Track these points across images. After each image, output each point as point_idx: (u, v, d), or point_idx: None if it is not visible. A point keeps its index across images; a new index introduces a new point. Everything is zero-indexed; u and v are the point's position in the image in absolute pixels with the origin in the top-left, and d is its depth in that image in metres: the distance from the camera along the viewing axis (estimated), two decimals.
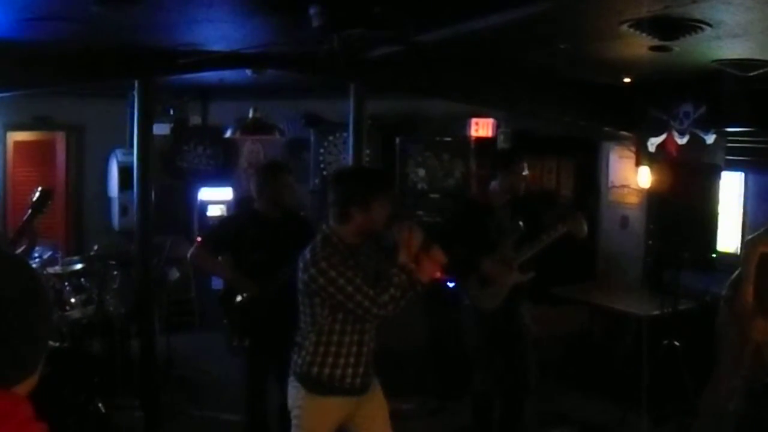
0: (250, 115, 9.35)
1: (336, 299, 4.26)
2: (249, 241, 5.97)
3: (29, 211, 5.86)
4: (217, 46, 6.32)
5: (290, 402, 4.59)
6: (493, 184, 6.41)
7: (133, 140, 7.01)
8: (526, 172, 6.38)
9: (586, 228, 6.30)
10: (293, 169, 6.66)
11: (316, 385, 4.46)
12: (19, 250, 5.86)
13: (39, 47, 6.16)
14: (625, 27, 4.61)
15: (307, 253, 4.37)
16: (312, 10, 4.25)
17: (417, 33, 5.05)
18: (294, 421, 4.57)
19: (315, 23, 4.30)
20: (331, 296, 4.26)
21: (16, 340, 1.70)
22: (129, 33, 5.75)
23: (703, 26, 4.48)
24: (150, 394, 7.00)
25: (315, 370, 4.43)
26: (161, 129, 9.77)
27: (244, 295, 5.99)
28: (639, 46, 5.16)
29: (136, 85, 6.74)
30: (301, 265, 4.38)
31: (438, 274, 4.52)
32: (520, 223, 6.27)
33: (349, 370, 4.44)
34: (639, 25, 4.52)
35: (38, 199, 5.88)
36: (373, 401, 4.67)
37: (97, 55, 6.50)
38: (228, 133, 9.83)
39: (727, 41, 5.05)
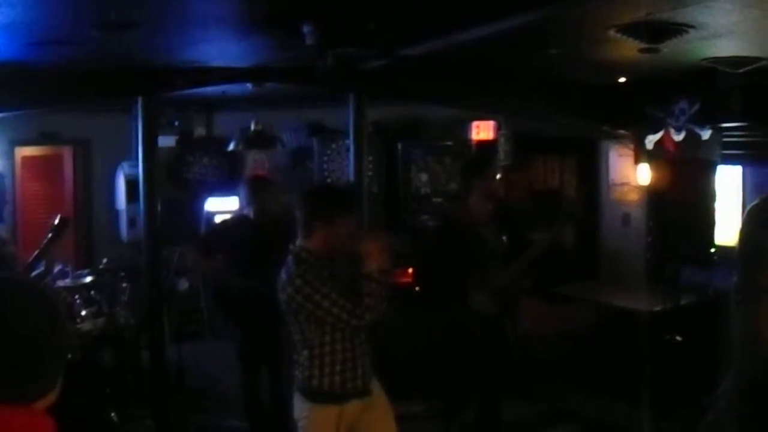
0: (252, 128, 9.44)
1: (316, 314, 4.41)
2: (240, 243, 6.48)
3: (49, 236, 6.05)
4: (217, 62, 6.45)
5: (295, 414, 4.72)
6: (472, 198, 6.06)
7: (138, 153, 7.16)
8: (498, 175, 6.26)
9: (571, 237, 6.25)
10: (298, 176, 6.91)
11: (318, 396, 4.58)
12: (35, 273, 6.04)
13: (44, 69, 6.31)
14: (612, 32, 4.71)
15: (282, 274, 4.53)
16: (305, 29, 4.34)
17: (408, 46, 5.14)
18: None
19: (309, 41, 4.40)
20: (310, 312, 4.41)
21: (36, 359, 1.84)
22: (130, 53, 5.88)
23: (687, 29, 4.58)
24: (161, 403, 7.10)
25: (315, 382, 4.56)
26: (166, 141, 9.84)
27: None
28: (629, 48, 5.24)
29: (140, 101, 6.85)
30: (279, 286, 4.53)
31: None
32: (504, 238, 6.18)
33: (348, 375, 4.57)
34: (625, 30, 4.61)
35: (57, 226, 6.08)
36: (377, 407, 4.77)
37: (100, 74, 6.64)
38: (231, 146, 9.93)
39: (713, 41, 5.14)
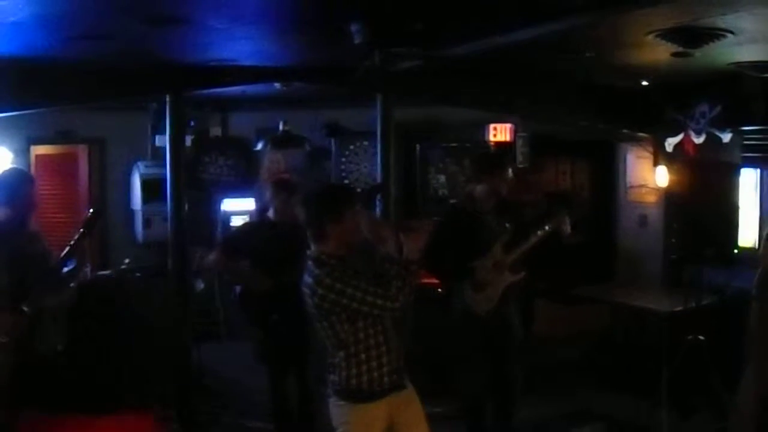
0: (280, 128, 9.40)
1: (351, 308, 4.40)
2: (263, 244, 6.52)
3: (81, 230, 5.97)
4: (249, 61, 6.46)
5: (335, 421, 4.70)
6: (479, 189, 6.45)
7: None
8: (510, 176, 6.47)
9: (569, 227, 6.39)
10: (315, 177, 6.93)
11: (359, 395, 4.59)
12: (66, 270, 5.98)
13: (72, 65, 6.29)
14: (651, 36, 4.74)
15: (307, 279, 4.53)
16: (353, 28, 4.35)
17: (453, 46, 5.14)
18: None
19: (356, 40, 4.40)
20: (345, 308, 4.40)
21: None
22: (164, 50, 5.89)
23: (726, 34, 4.62)
24: (184, 404, 7.10)
25: (354, 381, 4.56)
26: None
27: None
28: (661, 52, 5.28)
29: (168, 99, 6.85)
30: (307, 291, 4.52)
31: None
32: (507, 225, 6.38)
33: (385, 369, 4.59)
34: (665, 35, 4.64)
35: (89, 219, 6.00)
36: (412, 401, 4.81)
37: (131, 71, 6.64)
38: (259, 147, 9.90)
39: (746, 46, 5.19)
